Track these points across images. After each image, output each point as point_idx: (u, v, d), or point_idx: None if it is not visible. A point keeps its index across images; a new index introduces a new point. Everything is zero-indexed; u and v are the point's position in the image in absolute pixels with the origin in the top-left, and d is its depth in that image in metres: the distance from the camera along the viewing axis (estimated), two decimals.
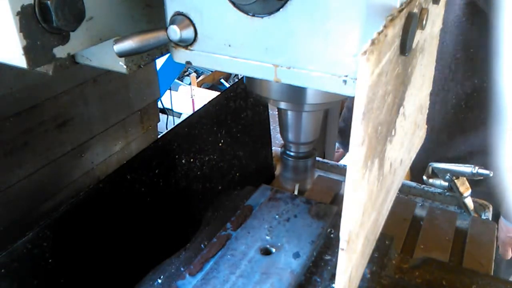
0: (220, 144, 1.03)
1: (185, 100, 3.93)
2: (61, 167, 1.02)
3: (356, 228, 0.49)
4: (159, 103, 1.51)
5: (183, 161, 0.92)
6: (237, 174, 1.10)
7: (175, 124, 1.20)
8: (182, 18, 0.52)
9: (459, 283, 0.77)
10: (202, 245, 0.79)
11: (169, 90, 3.40)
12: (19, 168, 0.93)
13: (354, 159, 0.42)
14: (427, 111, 0.81)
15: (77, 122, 1.05)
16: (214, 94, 2.66)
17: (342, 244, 0.47)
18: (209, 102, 1.01)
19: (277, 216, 0.84)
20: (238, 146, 1.09)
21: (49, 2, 0.45)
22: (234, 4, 0.49)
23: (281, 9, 0.48)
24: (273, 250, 0.77)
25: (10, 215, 0.92)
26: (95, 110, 1.09)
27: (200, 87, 4.56)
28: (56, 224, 0.67)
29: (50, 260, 0.66)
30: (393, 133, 0.56)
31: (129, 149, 1.23)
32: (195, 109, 1.01)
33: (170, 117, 3.26)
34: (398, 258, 0.81)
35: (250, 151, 1.11)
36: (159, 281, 0.73)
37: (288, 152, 0.83)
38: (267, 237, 0.79)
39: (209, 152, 1.00)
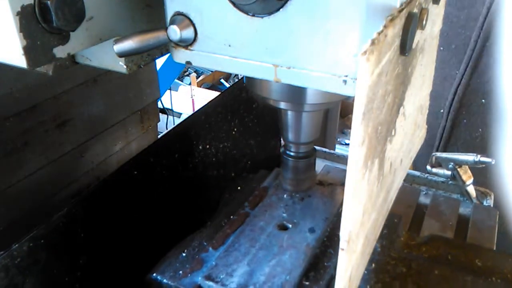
0: (233, 133, 1.07)
1: (185, 100, 3.93)
2: (61, 167, 1.02)
3: (356, 228, 0.49)
4: (159, 103, 1.51)
5: (200, 147, 0.97)
6: (249, 162, 1.14)
7: (175, 124, 1.20)
8: (182, 18, 0.52)
9: (464, 257, 0.81)
10: (222, 223, 0.83)
11: (169, 90, 3.40)
12: (19, 168, 0.93)
13: (354, 159, 0.42)
14: (427, 111, 0.82)
15: (77, 122, 1.05)
16: (214, 94, 2.65)
17: (342, 244, 0.47)
18: (224, 91, 1.06)
19: (292, 196, 0.88)
20: (249, 135, 1.13)
21: (49, 2, 0.45)
22: (234, 4, 0.49)
23: (281, 9, 0.48)
24: (290, 226, 0.81)
25: (10, 215, 0.92)
26: (95, 110, 1.09)
27: (200, 87, 4.55)
28: (86, 202, 0.72)
29: (82, 235, 0.71)
30: (393, 133, 0.56)
31: (129, 149, 1.23)
32: (195, 109, 1.03)
33: (170, 117, 3.26)
34: (405, 235, 0.87)
35: (260, 140, 1.15)
36: (184, 254, 0.77)
37: (288, 152, 0.83)
38: (284, 215, 0.83)
39: (223, 140, 1.04)
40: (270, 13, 0.48)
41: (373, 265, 0.76)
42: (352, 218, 0.46)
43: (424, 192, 1.17)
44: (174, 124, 2.68)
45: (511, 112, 1.27)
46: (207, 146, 0.99)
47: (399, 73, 0.51)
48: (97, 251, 0.74)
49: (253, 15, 0.49)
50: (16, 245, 0.62)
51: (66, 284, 0.70)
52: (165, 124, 3.07)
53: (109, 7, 0.54)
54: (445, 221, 1.04)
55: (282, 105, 0.71)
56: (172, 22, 0.53)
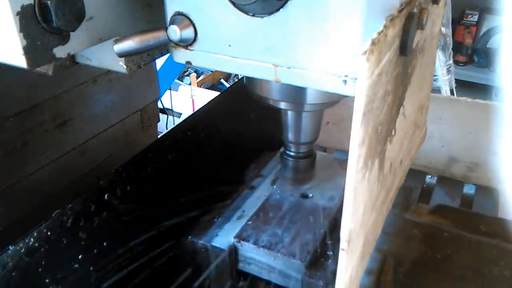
0: (252, 117, 1.13)
1: (185, 100, 3.92)
2: (61, 167, 1.02)
3: (357, 228, 0.49)
4: (159, 103, 1.51)
5: (223, 129, 1.03)
6: (267, 143, 1.19)
7: (175, 124, 1.21)
8: (182, 18, 0.52)
9: (469, 224, 0.91)
10: (248, 193, 0.91)
11: (169, 90, 3.39)
12: (19, 168, 0.93)
13: (354, 159, 0.42)
14: (428, 111, 0.82)
15: (77, 122, 1.05)
16: (214, 94, 2.65)
17: (342, 244, 0.47)
18: (241, 79, 1.10)
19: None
20: (266, 121, 1.16)
21: (49, 2, 0.45)
22: (234, 4, 0.49)
23: (281, 9, 0.48)
24: (311, 195, 0.88)
25: (10, 215, 0.92)
26: (95, 110, 1.09)
27: (200, 87, 4.54)
28: (125, 173, 0.78)
29: (119, 202, 0.77)
30: (393, 133, 0.56)
31: (129, 149, 1.23)
32: (195, 109, 1.05)
33: (170, 117, 3.25)
34: (416, 205, 1.00)
35: (276, 127, 1.21)
36: (216, 220, 0.84)
37: (288, 152, 0.83)
38: (305, 185, 0.89)
39: (243, 123, 1.10)
40: (270, 13, 0.48)
41: (388, 229, 0.86)
42: (352, 218, 0.46)
43: (429, 176, 1.25)
44: (174, 124, 2.67)
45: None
46: (229, 128, 1.04)
47: (399, 73, 0.51)
48: (138, 216, 0.79)
49: (253, 15, 0.49)
50: (70, 206, 0.68)
51: (112, 239, 0.77)
52: (165, 124, 3.07)
53: (109, 7, 0.54)
54: (450, 198, 1.15)
55: (282, 105, 0.71)
56: (172, 22, 0.53)
